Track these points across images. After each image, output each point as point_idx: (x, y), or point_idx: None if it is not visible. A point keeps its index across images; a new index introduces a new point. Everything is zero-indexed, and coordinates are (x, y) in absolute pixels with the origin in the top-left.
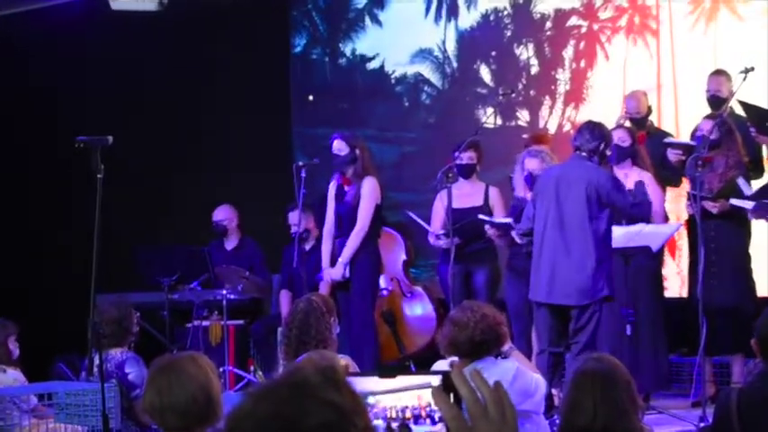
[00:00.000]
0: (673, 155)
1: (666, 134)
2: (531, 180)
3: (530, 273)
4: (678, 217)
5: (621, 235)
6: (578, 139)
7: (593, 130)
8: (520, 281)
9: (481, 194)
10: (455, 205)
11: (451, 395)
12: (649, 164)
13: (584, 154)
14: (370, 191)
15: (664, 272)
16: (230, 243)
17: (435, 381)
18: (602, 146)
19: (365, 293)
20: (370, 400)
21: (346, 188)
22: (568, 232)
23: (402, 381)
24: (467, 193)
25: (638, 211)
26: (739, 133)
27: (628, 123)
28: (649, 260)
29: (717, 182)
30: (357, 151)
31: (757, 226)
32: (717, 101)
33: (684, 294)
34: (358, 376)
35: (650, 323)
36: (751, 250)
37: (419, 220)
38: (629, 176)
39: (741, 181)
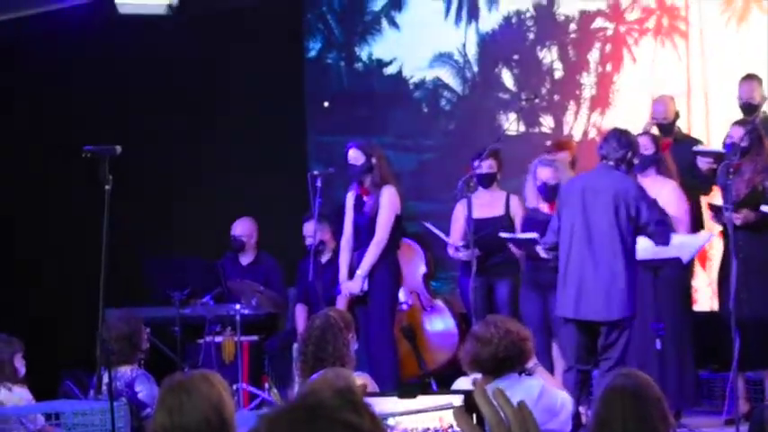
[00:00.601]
0: (703, 163)
1: (695, 140)
2: (545, 190)
3: (548, 286)
4: (710, 228)
5: (649, 246)
6: (605, 148)
7: (620, 137)
8: (538, 295)
9: (502, 204)
10: (475, 215)
11: (474, 416)
12: (675, 172)
13: (611, 163)
14: (389, 200)
15: (694, 284)
16: (246, 258)
17: (457, 401)
18: (630, 154)
19: (384, 307)
20: (390, 421)
21: (365, 198)
22: (596, 245)
23: (423, 401)
24: (487, 203)
25: (661, 229)
26: None
27: (655, 129)
28: (679, 272)
29: (744, 188)
30: (373, 160)
31: None
32: (750, 108)
33: (715, 307)
34: (377, 396)
35: (677, 338)
36: None
37: (437, 232)
38: (653, 185)
39: None
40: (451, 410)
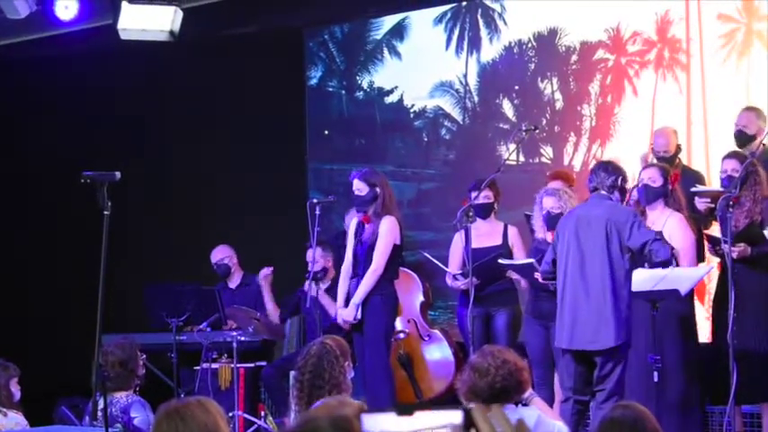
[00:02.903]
0: (701, 204)
1: (695, 173)
2: (548, 219)
3: (550, 316)
4: (709, 260)
5: (648, 278)
6: (594, 180)
7: (607, 166)
8: (541, 324)
9: (500, 234)
10: (473, 245)
11: None
12: (684, 205)
13: (603, 192)
14: (387, 230)
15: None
16: (233, 281)
17: (457, 418)
18: (620, 180)
19: (378, 336)
20: None
21: (366, 226)
22: (589, 274)
23: (421, 419)
24: (485, 233)
25: (658, 246)
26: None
27: (654, 161)
28: (679, 304)
29: (743, 219)
30: (378, 189)
31: None
32: (742, 136)
33: (711, 340)
34: (375, 413)
35: (682, 371)
36: None
37: (435, 261)
38: (660, 217)
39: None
40: (450, 429)
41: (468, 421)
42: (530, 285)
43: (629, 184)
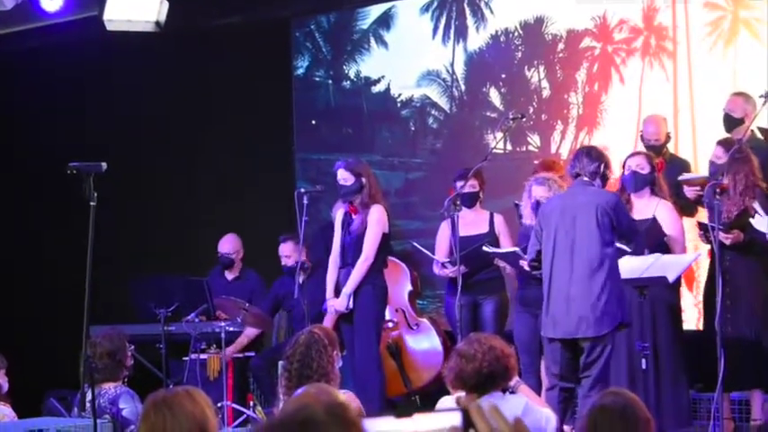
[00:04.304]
0: (690, 192)
1: (682, 161)
2: (537, 208)
3: (537, 304)
4: (696, 247)
5: (636, 266)
6: (576, 166)
7: (590, 152)
8: (529, 312)
9: (486, 222)
10: (460, 234)
11: None
12: (667, 192)
13: (585, 178)
14: (377, 219)
15: (681, 304)
16: (231, 273)
17: (455, 419)
18: (603, 167)
19: (369, 326)
20: None
21: (353, 216)
22: (578, 261)
23: (420, 421)
24: (471, 222)
25: (640, 240)
26: (758, 158)
27: (643, 149)
28: (667, 292)
29: (735, 208)
30: (363, 179)
31: None
32: (729, 120)
33: (701, 327)
34: (372, 417)
35: (670, 358)
36: None
37: (424, 250)
38: (648, 205)
39: (757, 207)
40: (449, 430)
41: (467, 422)
42: (517, 273)
43: (613, 172)
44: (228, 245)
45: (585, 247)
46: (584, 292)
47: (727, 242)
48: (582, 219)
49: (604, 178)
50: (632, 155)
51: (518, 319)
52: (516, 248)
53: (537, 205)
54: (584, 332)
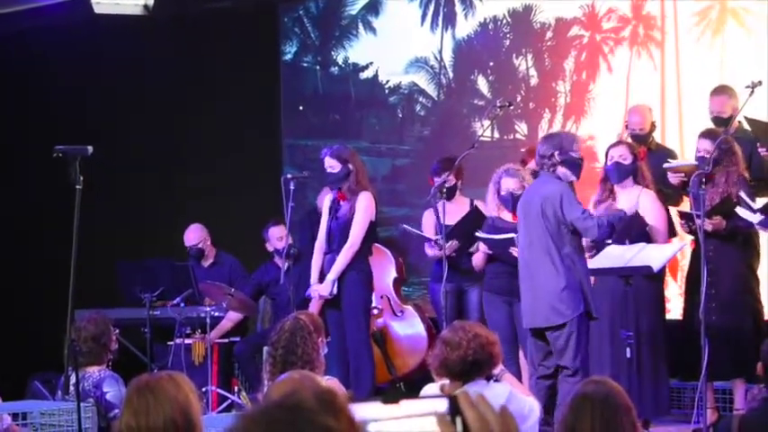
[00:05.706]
0: (674, 178)
1: (668, 150)
2: (511, 200)
3: (510, 293)
4: (681, 236)
5: (620, 254)
6: (537, 156)
7: (547, 139)
8: (504, 300)
9: (467, 208)
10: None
11: (458, 420)
12: (651, 181)
13: (543, 168)
14: (365, 207)
15: (666, 293)
16: (206, 261)
17: (442, 406)
18: (556, 153)
19: (358, 312)
20: (372, 428)
21: (341, 203)
22: (533, 253)
23: (406, 407)
24: (453, 211)
25: (591, 223)
26: (745, 150)
27: (628, 139)
28: (651, 281)
29: (717, 197)
30: (350, 166)
31: (766, 248)
32: (720, 121)
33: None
34: (359, 403)
35: (652, 347)
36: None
37: (416, 231)
38: (631, 194)
39: (744, 196)
40: (434, 416)
41: (454, 408)
42: (488, 262)
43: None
44: (192, 235)
45: (537, 240)
46: (540, 284)
47: (709, 228)
48: (533, 211)
49: (569, 165)
50: (614, 145)
51: (492, 307)
52: (513, 235)
53: (510, 197)
54: (540, 323)
